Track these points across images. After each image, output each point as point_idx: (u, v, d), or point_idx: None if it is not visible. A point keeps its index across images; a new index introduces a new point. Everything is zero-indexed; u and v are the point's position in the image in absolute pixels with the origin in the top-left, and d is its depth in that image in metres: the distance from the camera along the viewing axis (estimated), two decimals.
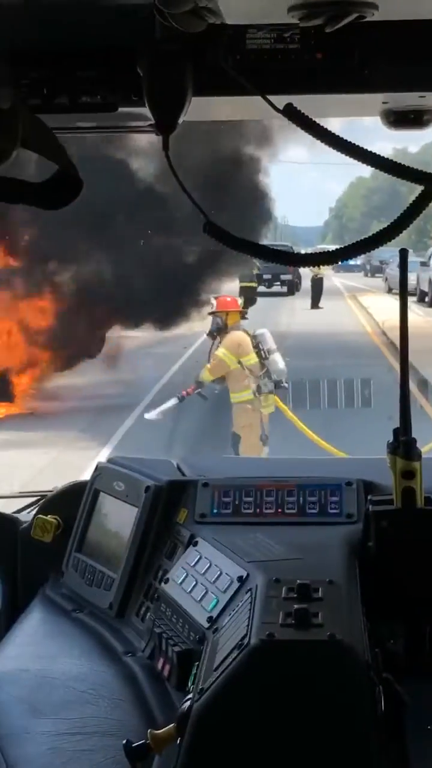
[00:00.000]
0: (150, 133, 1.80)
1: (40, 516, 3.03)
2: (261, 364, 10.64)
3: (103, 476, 2.89)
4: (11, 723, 2.11)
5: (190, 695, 1.80)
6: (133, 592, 2.59)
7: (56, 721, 2.09)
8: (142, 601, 2.56)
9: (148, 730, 1.79)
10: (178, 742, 1.74)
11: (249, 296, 23.93)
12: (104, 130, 1.94)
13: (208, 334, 11.03)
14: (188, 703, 1.76)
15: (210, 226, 1.57)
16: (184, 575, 2.33)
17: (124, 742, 1.80)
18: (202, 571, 2.28)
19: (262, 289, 31.59)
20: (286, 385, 10.85)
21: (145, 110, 1.67)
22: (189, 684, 1.98)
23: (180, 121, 1.61)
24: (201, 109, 1.64)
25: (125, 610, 2.59)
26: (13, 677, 2.29)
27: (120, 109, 1.68)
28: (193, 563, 2.34)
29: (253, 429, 10.63)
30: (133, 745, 1.79)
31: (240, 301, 11.90)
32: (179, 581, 2.33)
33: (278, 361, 10.79)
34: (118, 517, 2.76)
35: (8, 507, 3.45)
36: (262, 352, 10.64)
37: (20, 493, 3.91)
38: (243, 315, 11.33)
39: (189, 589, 2.27)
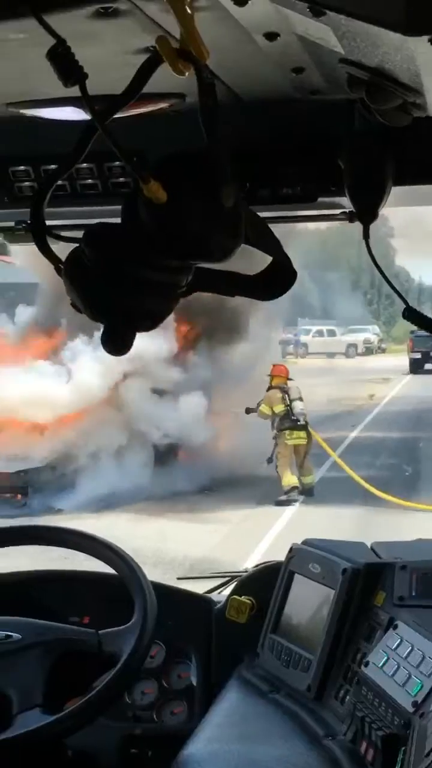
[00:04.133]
0: (347, 221, 1.85)
1: (234, 597, 3.06)
2: (287, 409, 15.73)
3: (298, 558, 2.90)
4: None
5: None
6: (332, 675, 2.58)
7: None
8: (341, 683, 2.54)
9: None
10: None
11: None
12: (302, 219, 2.00)
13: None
14: None
15: (410, 312, 1.60)
16: (384, 658, 2.31)
17: None
18: (404, 655, 2.25)
19: None
20: (302, 422, 15.81)
21: (343, 199, 1.72)
22: None
23: (380, 210, 1.66)
24: (401, 196, 1.68)
25: (324, 693, 2.57)
26: (218, 757, 2.31)
27: (319, 199, 1.75)
28: (394, 646, 2.31)
29: (280, 457, 15.69)
30: None
31: None
32: (380, 664, 2.31)
33: (298, 406, 15.83)
34: (314, 599, 2.76)
35: (200, 588, 3.50)
36: (288, 400, 15.79)
37: (211, 573, 3.96)
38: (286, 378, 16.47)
39: (391, 673, 2.25)
